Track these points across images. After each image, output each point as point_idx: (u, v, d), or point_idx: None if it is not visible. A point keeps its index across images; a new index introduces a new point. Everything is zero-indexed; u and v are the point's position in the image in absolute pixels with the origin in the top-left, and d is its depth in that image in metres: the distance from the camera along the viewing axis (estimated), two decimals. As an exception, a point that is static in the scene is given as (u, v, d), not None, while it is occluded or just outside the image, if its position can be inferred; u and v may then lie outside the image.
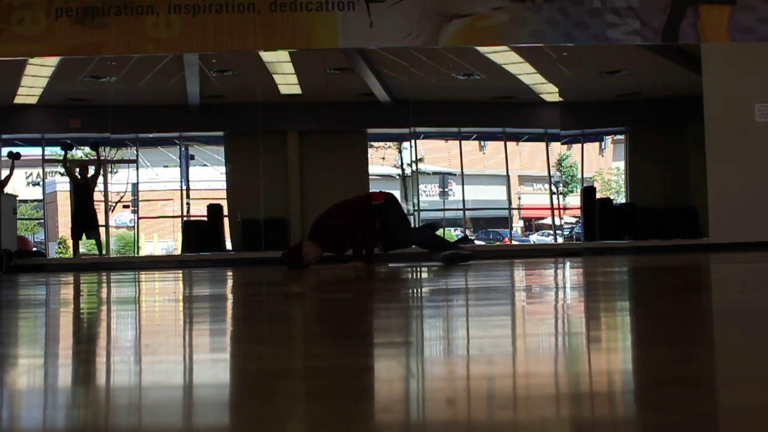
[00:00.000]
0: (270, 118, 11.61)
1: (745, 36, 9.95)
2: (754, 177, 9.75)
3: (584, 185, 13.44)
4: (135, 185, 13.04)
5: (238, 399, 1.14)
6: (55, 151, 13.74)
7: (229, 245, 12.30)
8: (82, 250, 12.02)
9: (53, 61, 10.95)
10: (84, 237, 11.84)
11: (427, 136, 13.71)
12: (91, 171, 11.75)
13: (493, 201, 15.12)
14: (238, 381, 1.29)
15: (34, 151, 13.48)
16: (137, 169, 12.97)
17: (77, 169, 11.72)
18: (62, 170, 12.27)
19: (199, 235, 12.47)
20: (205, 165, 13.62)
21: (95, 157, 12.12)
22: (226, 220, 12.55)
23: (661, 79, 12.04)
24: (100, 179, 12.34)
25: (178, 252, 12.74)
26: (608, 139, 14.71)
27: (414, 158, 12.87)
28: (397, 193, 12.68)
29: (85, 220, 11.62)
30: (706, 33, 9.96)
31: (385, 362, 1.43)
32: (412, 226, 7.50)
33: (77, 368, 1.45)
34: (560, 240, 13.09)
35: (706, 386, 1.11)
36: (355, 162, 12.57)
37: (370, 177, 12.20)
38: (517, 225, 15.37)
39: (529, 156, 14.71)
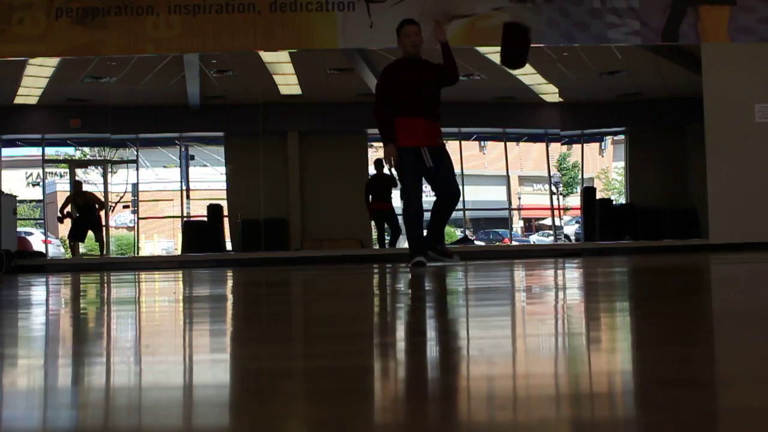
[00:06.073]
0: (270, 119, 11.61)
1: (746, 36, 9.94)
2: (754, 177, 9.74)
3: (584, 185, 13.43)
4: (135, 185, 13.04)
5: (238, 399, 1.14)
6: (55, 152, 13.73)
7: (229, 245, 12.29)
8: (82, 250, 12.03)
9: (53, 61, 10.94)
10: (84, 239, 11.86)
11: (427, 136, 13.67)
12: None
13: (493, 201, 15.13)
14: (238, 381, 1.29)
15: (34, 151, 13.48)
16: (137, 169, 12.96)
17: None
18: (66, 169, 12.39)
19: (199, 235, 12.48)
20: (205, 165, 13.61)
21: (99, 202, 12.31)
22: (226, 221, 12.54)
23: (661, 80, 12.04)
24: (101, 179, 12.35)
25: (178, 252, 12.74)
26: (608, 139, 14.70)
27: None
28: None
29: (87, 223, 11.68)
30: (706, 33, 9.96)
31: (385, 362, 1.43)
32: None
33: (77, 368, 1.45)
34: (560, 240, 13.09)
35: (707, 387, 1.11)
36: (356, 162, 12.55)
37: (370, 177, 12.20)
38: (518, 225, 15.36)
39: (529, 156, 14.70)
